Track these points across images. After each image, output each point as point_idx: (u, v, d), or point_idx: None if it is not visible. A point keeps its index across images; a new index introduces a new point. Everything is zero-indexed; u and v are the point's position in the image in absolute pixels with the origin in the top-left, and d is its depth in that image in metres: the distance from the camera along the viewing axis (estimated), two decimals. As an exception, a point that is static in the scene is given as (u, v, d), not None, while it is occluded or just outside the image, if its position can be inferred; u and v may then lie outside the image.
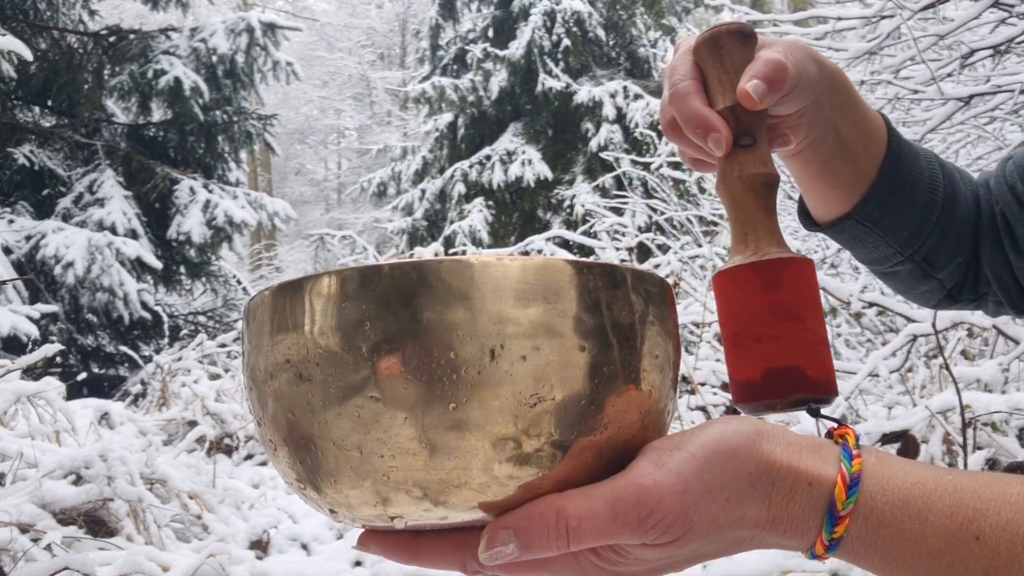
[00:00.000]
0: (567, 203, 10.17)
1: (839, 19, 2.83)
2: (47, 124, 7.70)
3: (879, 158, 0.69)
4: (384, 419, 0.41)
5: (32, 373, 4.60)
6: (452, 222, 10.54)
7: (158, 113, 8.06)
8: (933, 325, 2.08)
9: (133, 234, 6.87)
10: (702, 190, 5.17)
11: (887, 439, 2.21)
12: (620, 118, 10.36)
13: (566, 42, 10.73)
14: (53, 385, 3.03)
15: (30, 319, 4.76)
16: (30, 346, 4.90)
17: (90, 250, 6.33)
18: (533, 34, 10.80)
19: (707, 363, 3.25)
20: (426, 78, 11.74)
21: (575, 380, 0.42)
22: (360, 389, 0.41)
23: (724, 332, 0.55)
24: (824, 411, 0.52)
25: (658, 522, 0.42)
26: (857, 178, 0.69)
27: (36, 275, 6.28)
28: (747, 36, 0.57)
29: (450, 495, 0.42)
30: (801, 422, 2.24)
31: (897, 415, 2.37)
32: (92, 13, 7.92)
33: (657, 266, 4.32)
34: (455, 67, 11.96)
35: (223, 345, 5.54)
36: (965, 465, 2.00)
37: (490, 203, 10.63)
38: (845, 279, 3.59)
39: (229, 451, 4.00)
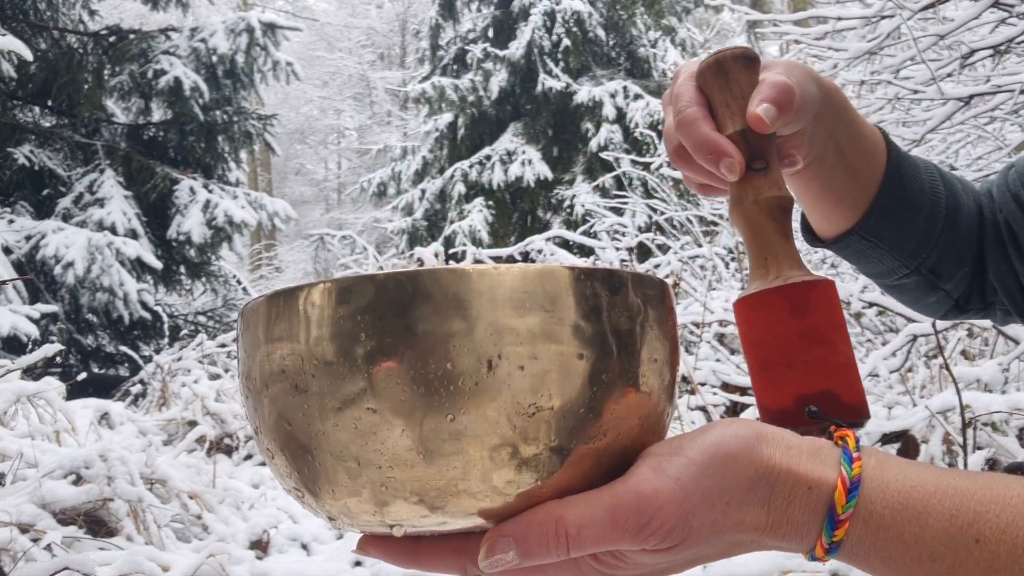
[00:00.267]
0: (567, 203, 10.17)
1: (839, 19, 2.83)
2: (47, 124, 7.71)
3: (880, 172, 0.69)
4: (381, 430, 0.41)
5: (32, 373, 4.60)
6: (452, 222, 10.54)
7: (158, 113, 8.06)
8: (933, 325, 2.08)
9: (133, 234, 6.87)
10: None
11: (887, 439, 2.21)
12: (620, 118, 10.36)
13: (566, 42, 10.73)
14: (53, 385, 3.03)
15: (30, 319, 4.76)
16: (30, 346, 4.90)
17: (90, 250, 6.34)
18: (533, 34, 10.80)
19: (707, 363, 3.25)
20: (426, 78, 11.75)
21: (574, 388, 0.42)
22: (356, 400, 0.41)
23: (752, 359, 0.54)
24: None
25: (658, 528, 0.42)
26: (859, 193, 0.69)
27: (36, 275, 6.28)
28: (752, 60, 0.57)
29: (449, 503, 0.42)
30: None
31: (897, 415, 2.37)
32: (92, 13, 7.92)
33: (657, 266, 4.32)
34: (455, 67, 11.96)
35: (223, 345, 5.54)
36: (965, 465, 1.99)
37: (490, 203, 10.63)
38: (845, 279, 3.59)
39: (229, 451, 4.00)
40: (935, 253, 0.73)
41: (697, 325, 3.42)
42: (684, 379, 2.94)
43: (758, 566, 1.80)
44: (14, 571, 1.82)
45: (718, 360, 3.41)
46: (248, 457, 3.98)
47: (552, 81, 10.59)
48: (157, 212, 7.46)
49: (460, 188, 10.81)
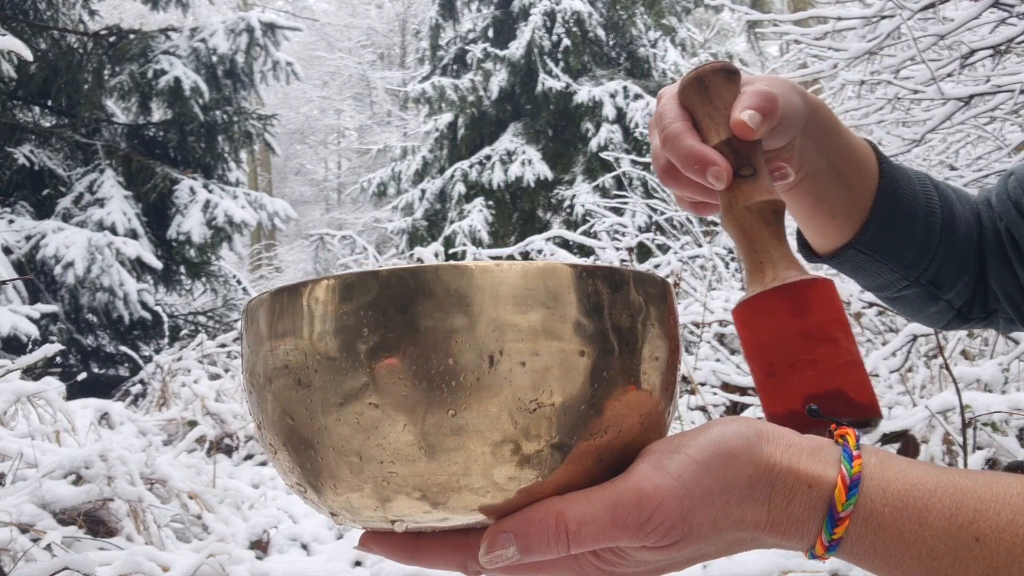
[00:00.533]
0: (567, 203, 10.18)
1: (839, 19, 2.83)
2: (47, 124, 7.71)
3: (872, 184, 0.70)
4: (383, 426, 0.41)
5: (32, 373, 4.60)
6: (452, 222, 10.54)
7: (158, 113, 8.07)
8: (933, 325, 2.08)
9: (133, 234, 6.88)
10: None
11: (887, 439, 2.22)
12: (620, 118, 10.37)
13: (566, 42, 10.73)
14: (53, 385, 3.02)
15: (30, 319, 4.76)
16: (30, 346, 4.90)
17: (90, 250, 6.34)
18: (533, 34, 10.80)
19: (707, 363, 3.26)
20: (426, 78, 11.75)
21: (575, 385, 0.42)
22: (359, 396, 0.41)
23: (756, 366, 0.53)
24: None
25: (658, 526, 0.42)
26: (853, 206, 0.70)
27: (36, 275, 6.28)
28: (732, 73, 0.58)
29: (450, 499, 0.42)
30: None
31: (897, 415, 2.37)
32: (92, 13, 7.92)
33: (657, 266, 4.33)
34: (455, 67, 11.97)
35: (223, 345, 5.54)
36: (965, 465, 2.00)
37: (490, 203, 10.63)
38: (845, 279, 3.58)
39: (229, 451, 4.00)
40: (934, 263, 0.73)
41: (697, 325, 3.42)
42: (684, 379, 2.94)
43: (758, 565, 1.80)
44: (14, 571, 1.82)
45: (718, 360, 3.41)
46: (248, 457, 3.99)
47: (552, 81, 10.59)
48: (157, 212, 7.47)
49: (460, 188, 10.81)
